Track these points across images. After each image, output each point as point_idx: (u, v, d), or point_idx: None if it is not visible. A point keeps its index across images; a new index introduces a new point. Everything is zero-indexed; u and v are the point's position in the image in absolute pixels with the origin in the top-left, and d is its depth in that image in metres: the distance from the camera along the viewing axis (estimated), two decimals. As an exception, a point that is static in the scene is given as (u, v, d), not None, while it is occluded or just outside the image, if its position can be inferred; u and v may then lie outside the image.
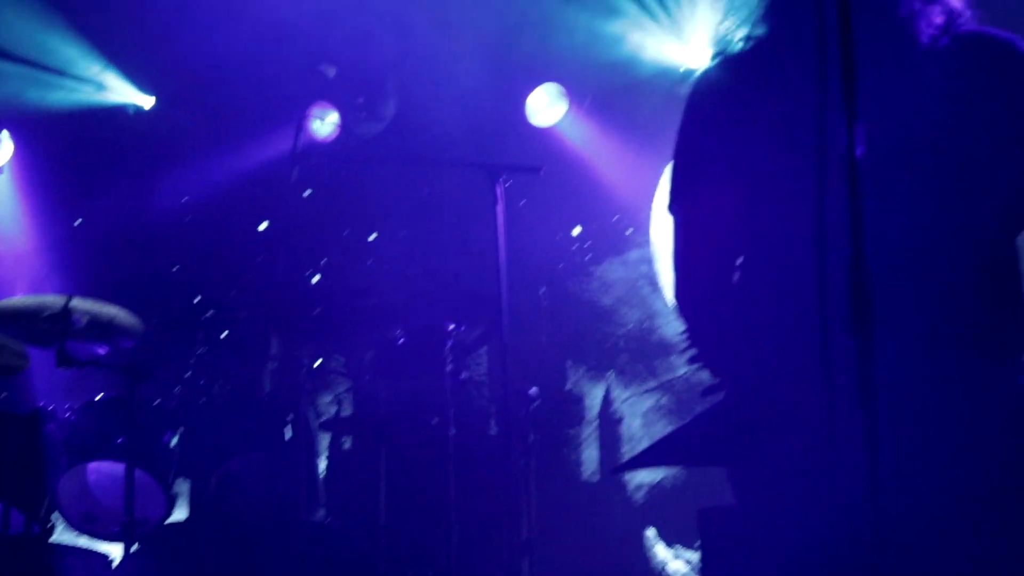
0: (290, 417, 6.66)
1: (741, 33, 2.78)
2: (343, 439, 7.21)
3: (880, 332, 1.94)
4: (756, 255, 2.70)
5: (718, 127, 2.71)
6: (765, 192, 2.64)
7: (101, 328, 6.02)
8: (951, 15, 2.67)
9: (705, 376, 2.73)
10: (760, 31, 2.73)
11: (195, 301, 6.87)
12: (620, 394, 8.47)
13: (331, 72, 8.03)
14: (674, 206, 2.80)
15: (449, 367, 6.84)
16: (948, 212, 2.55)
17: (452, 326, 6.83)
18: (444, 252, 8.03)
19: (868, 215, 1.95)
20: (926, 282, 2.50)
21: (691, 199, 2.76)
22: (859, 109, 1.93)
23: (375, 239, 8.48)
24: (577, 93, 8.17)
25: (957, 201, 2.56)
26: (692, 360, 2.70)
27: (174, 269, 8.16)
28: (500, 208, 6.01)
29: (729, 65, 2.77)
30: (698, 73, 2.85)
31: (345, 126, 7.97)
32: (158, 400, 7.35)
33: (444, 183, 8.09)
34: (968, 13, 2.70)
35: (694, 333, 2.70)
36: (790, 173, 2.56)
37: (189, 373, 6.72)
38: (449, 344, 6.85)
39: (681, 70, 7.38)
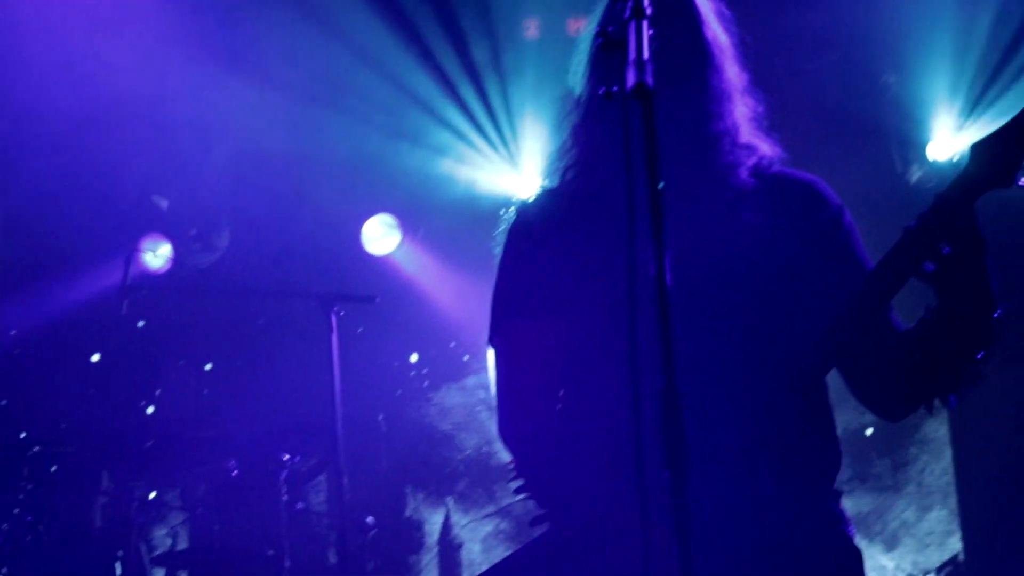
0: (120, 553, 6.46)
1: (559, 167, 2.86)
2: (178, 574, 7.00)
3: (695, 461, 1.99)
4: (576, 386, 2.74)
5: (533, 260, 2.78)
6: (582, 323, 2.70)
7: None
8: (762, 159, 2.79)
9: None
10: (576, 166, 2.81)
11: (21, 436, 6.65)
12: (459, 519, 8.43)
13: (163, 203, 7.97)
14: (494, 339, 2.84)
15: (284, 497, 6.74)
16: (757, 342, 2.64)
17: (287, 456, 6.74)
18: (280, 382, 7.95)
19: (681, 345, 2.01)
20: (739, 410, 2.57)
21: (510, 331, 2.81)
22: (670, 242, 1.99)
23: (210, 369, 8.36)
24: (411, 223, 8.24)
25: (766, 332, 2.65)
26: (518, 491, 2.72)
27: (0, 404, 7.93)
28: (335, 337, 6.00)
29: (546, 198, 2.84)
30: (514, 207, 2.92)
31: (178, 257, 7.89)
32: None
33: (280, 313, 8.04)
34: (777, 157, 2.83)
35: (520, 464, 2.72)
36: (605, 304, 2.62)
37: (16, 511, 6.49)
38: (284, 474, 6.76)
39: (515, 200, 7.50)
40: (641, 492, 1.99)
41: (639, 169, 1.99)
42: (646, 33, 2.00)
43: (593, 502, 2.60)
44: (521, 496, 2.74)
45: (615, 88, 2.00)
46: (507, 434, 2.80)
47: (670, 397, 1.96)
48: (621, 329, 2.10)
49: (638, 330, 2.04)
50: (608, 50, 2.06)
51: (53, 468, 6.96)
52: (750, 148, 2.81)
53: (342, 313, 6.06)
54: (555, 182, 2.88)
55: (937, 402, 2.67)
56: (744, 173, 2.77)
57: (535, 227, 2.81)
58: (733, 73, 2.80)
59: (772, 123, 2.91)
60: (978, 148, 2.47)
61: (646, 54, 1.95)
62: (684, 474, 1.94)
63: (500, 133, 7.68)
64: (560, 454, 2.67)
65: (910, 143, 7.34)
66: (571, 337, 2.73)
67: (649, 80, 1.88)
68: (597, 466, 2.61)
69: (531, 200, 2.89)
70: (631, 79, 1.89)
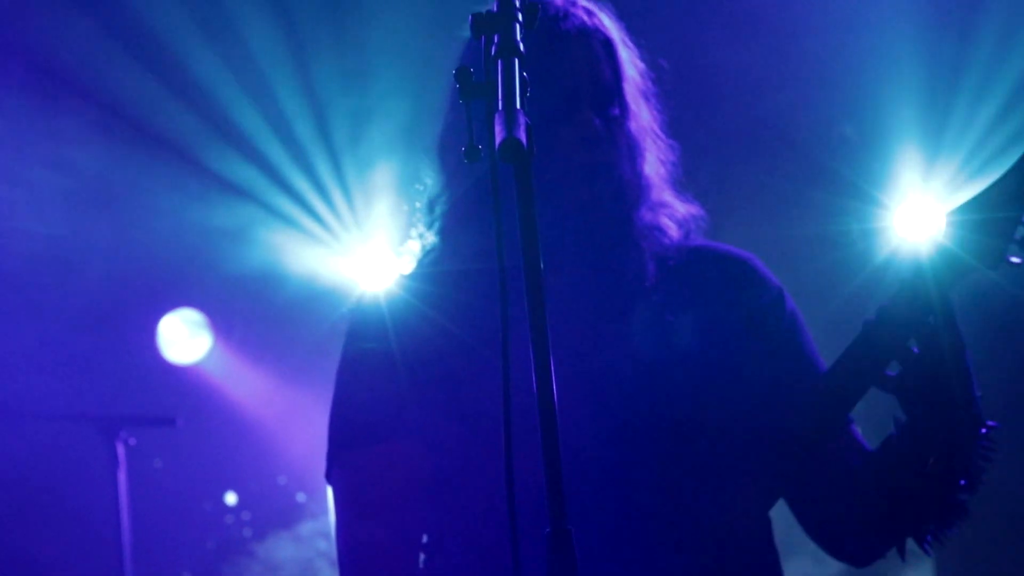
0: None
1: (412, 244, 2.87)
2: None
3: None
4: (441, 535, 2.72)
5: (380, 368, 2.76)
6: (447, 450, 2.69)
7: None
8: (680, 225, 2.82)
9: None
10: (436, 244, 2.82)
11: None
12: None
13: None
14: (331, 473, 2.81)
15: None
16: (679, 477, 2.67)
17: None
18: (48, 536, 7.80)
19: (575, 482, 2.01)
20: (659, 571, 2.58)
21: (352, 463, 2.78)
22: (558, 346, 2.00)
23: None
24: (224, 322, 8.20)
25: (690, 461, 2.68)
26: None
27: None
28: (122, 474, 5.93)
29: (397, 287, 2.84)
30: (355, 300, 2.91)
31: None
32: None
33: (44, 443, 7.89)
34: (697, 223, 2.86)
35: None
36: (476, 427, 2.62)
37: None
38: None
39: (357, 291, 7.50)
40: None
41: (513, 250, 2.00)
42: (517, 75, 2.00)
43: None
44: None
45: (479, 145, 2.01)
46: None
47: (561, 546, 1.95)
48: (496, 459, 2.09)
49: (516, 459, 2.03)
50: (469, 97, 2.06)
51: None
52: (662, 210, 2.84)
53: (132, 441, 6.00)
54: (411, 269, 2.88)
55: (911, 544, 2.69)
56: (656, 246, 2.80)
57: (381, 326, 2.80)
58: (642, 113, 2.83)
59: (699, 181, 2.95)
60: (956, 218, 2.52)
61: (518, 102, 1.96)
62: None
63: (340, 208, 7.71)
64: None
65: (871, 211, 7.51)
66: (434, 471, 2.72)
67: (522, 136, 1.89)
68: None
69: (376, 291, 2.87)
70: (499, 134, 1.89)
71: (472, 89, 2.06)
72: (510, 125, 1.91)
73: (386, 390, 2.75)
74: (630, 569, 2.57)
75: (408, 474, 2.73)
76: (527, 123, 1.93)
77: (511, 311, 2.02)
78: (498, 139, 1.89)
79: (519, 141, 1.88)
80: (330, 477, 2.82)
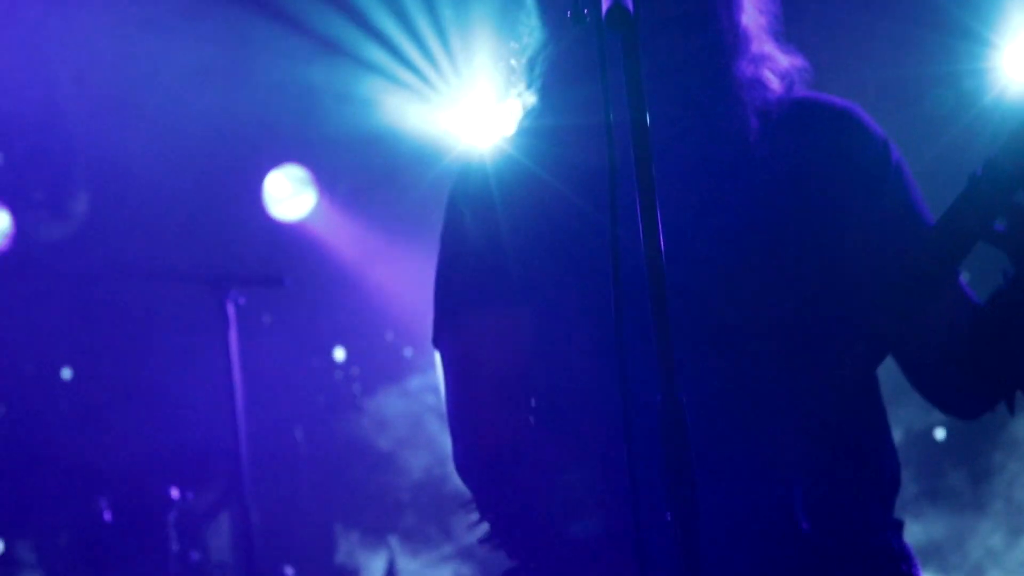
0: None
1: (515, 107, 2.86)
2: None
3: (706, 493, 2.03)
4: (552, 399, 2.75)
5: (486, 232, 2.76)
6: (555, 314, 2.71)
7: None
8: (781, 78, 2.80)
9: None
10: (539, 107, 2.81)
11: None
12: (407, 565, 8.48)
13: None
14: (440, 339, 2.83)
15: (174, 547, 6.77)
16: (783, 328, 2.67)
17: (176, 492, 6.76)
18: (162, 392, 7.96)
19: (682, 340, 2.03)
20: (760, 423, 2.60)
21: (460, 329, 2.79)
22: (664, 200, 2.02)
23: (69, 378, 8.36)
24: (329, 178, 8.24)
25: (794, 313, 2.68)
26: (483, 541, 2.72)
27: None
28: (233, 332, 6.03)
29: (501, 149, 2.83)
30: (460, 160, 2.90)
31: (20, 229, 7.88)
32: None
33: (158, 301, 8.03)
34: (800, 75, 2.84)
35: (483, 504, 2.72)
36: (585, 286, 2.63)
37: None
38: (173, 516, 6.78)
39: (466, 137, 7.50)
40: (637, 538, 2.02)
41: (619, 110, 2.01)
42: None
43: (580, 553, 2.62)
44: (486, 545, 2.74)
45: (585, 11, 2.01)
46: (464, 466, 2.79)
47: (671, 412, 1.99)
48: (606, 320, 2.12)
49: (626, 321, 2.06)
50: None
51: None
52: (763, 63, 2.79)
53: (242, 300, 6.08)
54: (512, 128, 2.87)
55: (1021, 395, 2.69)
56: (758, 100, 2.77)
57: (484, 186, 2.79)
58: None
59: (791, 30, 2.91)
60: None
61: None
62: (692, 514, 1.97)
63: (440, 60, 7.68)
64: (535, 492, 2.67)
65: (979, 50, 7.36)
66: (542, 334, 2.73)
67: (628, 2, 1.89)
68: (583, 506, 2.62)
69: (481, 152, 2.85)
70: (605, 1, 1.90)
71: None
72: None
73: (491, 252, 2.75)
74: (741, 431, 2.58)
75: (516, 337, 2.74)
76: None
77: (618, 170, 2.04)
78: (604, 5, 1.90)
79: (626, 8, 1.89)
80: (437, 342, 2.83)
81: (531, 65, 2.84)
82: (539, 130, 2.81)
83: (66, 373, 8.36)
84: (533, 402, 2.77)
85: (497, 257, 2.75)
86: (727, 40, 2.74)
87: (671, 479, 1.98)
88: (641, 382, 2.16)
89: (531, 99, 2.84)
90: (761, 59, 2.79)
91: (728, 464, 2.57)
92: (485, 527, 2.72)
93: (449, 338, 2.81)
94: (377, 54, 7.66)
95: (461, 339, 2.80)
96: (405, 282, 7.92)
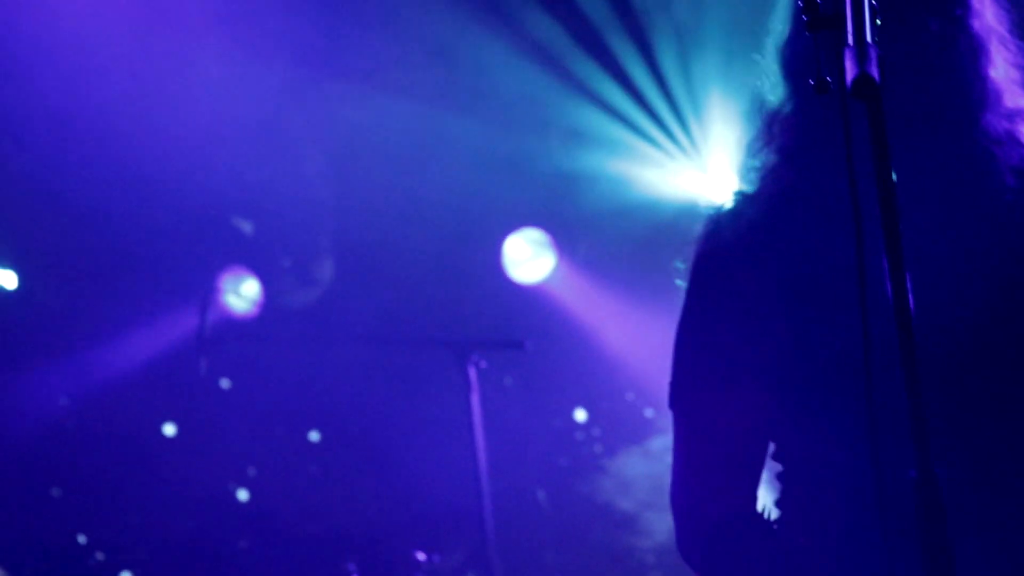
0: None
1: (755, 166, 2.78)
2: None
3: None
4: (789, 485, 2.69)
5: (730, 293, 2.67)
6: (802, 385, 2.61)
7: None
8: None
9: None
10: (780, 167, 2.74)
11: (80, 541, 6.83)
12: (654, 627, 8.43)
13: (246, 227, 8.11)
14: (675, 404, 2.73)
15: (422, 608, 6.80)
16: None
17: (422, 555, 6.80)
18: (407, 455, 8.03)
19: (939, 407, 1.97)
20: None
21: (695, 402, 2.70)
22: (912, 261, 1.96)
23: (317, 440, 8.48)
24: (568, 240, 8.27)
25: None
26: None
27: (52, 496, 8.14)
28: (475, 396, 6.06)
29: (744, 206, 2.75)
30: (705, 217, 2.82)
31: (269, 297, 8.03)
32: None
33: (402, 366, 8.12)
34: None
35: None
36: (835, 351, 2.55)
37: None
38: (420, 579, 6.82)
39: (702, 208, 7.46)
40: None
41: (864, 172, 1.97)
42: (867, 6, 1.94)
43: None
44: None
45: (828, 79, 1.97)
46: (687, 547, 2.71)
47: (927, 488, 1.92)
48: (854, 392, 2.07)
49: (876, 394, 2.01)
50: (816, 29, 2.01)
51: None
52: (1018, 119, 2.65)
53: (483, 364, 6.11)
54: (750, 189, 2.79)
55: None
56: (1013, 158, 2.62)
57: (730, 251, 2.70)
58: (990, 14, 2.65)
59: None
60: None
61: (869, 35, 1.91)
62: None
63: (679, 119, 7.67)
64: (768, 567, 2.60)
65: None
66: (781, 412, 2.64)
67: (874, 72, 1.85)
68: None
69: (725, 208, 2.76)
70: (850, 71, 1.86)
71: (820, 20, 2.01)
72: (862, 60, 1.87)
73: (731, 328, 2.66)
74: (1001, 510, 2.49)
75: (748, 415, 2.65)
76: (879, 56, 1.88)
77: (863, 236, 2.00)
78: (849, 76, 1.86)
79: (872, 77, 1.84)
80: (672, 406, 2.73)
81: (770, 126, 2.77)
82: (777, 194, 2.72)
83: (314, 436, 8.48)
84: (764, 485, 2.70)
85: (735, 331, 2.66)
86: (974, 93, 2.62)
87: (928, 563, 1.90)
88: (894, 460, 2.08)
89: (771, 160, 2.75)
90: (1016, 114, 2.66)
91: (992, 545, 2.47)
92: None
93: (680, 411, 2.72)
94: (613, 128, 7.69)
95: (691, 414, 2.71)
96: (645, 343, 7.89)
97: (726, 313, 2.68)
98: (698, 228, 2.81)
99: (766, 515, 2.67)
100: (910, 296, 1.95)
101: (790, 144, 2.73)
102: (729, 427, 2.67)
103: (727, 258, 2.71)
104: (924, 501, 1.92)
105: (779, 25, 2.77)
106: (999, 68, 2.65)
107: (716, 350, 2.69)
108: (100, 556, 6.64)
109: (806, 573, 2.56)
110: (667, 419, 8.05)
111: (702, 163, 7.66)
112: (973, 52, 2.62)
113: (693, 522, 2.70)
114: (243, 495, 8.34)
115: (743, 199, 2.77)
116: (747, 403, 2.66)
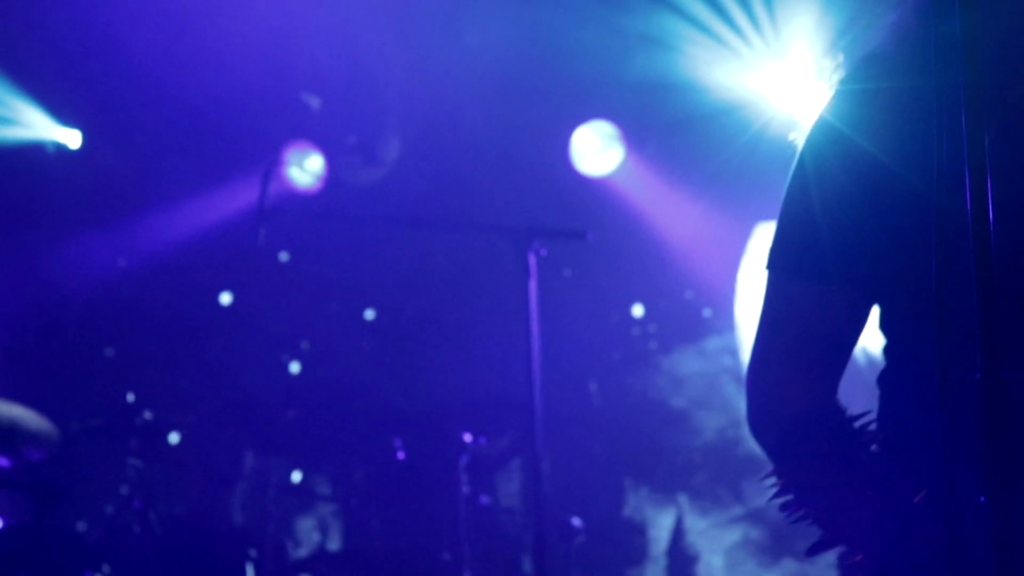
0: (253, 553, 6.65)
1: (840, 71, 2.71)
2: (326, 582, 7.19)
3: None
4: (894, 350, 2.66)
5: (822, 205, 2.60)
6: (880, 288, 2.59)
7: (1, 435, 6.03)
8: None
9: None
10: (871, 69, 2.67)
11: (128, 399, 6.87)
12: (695, 524, 8.46)
13: (314, 102, 8.10)
14: (774, 264, 2.68)
15: (465, 489, 6.84)
16: None
17: (469, 436, 6.83)
18: (459, 338, 8.05)
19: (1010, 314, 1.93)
20: None
21: (782, 287, 2.66)
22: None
23: (372, 319, 8.51)
24: (636, 135, 8.22)
25: None
26: (785, 508, 2.59)
27: (104, 355, 8.20)
28: (533, 284, 6.03)
29: (849, 94, 2.68)
30: (811, 122, 2.73)
31: (332, 173, 8.02)
32: (78, 528, 7.35)
33: (461, 250, 8.13)
34: None
35: (780, 470, 2.62)
36: (911, 258, 2.49)
37: (124, 491, 6.72)
38: (464, 460, 6.85)
39: (776, 101, 7.38)
40: (947, 520, 1.93)
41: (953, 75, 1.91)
42: None
43: (894, 531, 2.49)
44: (787, 514, 2.62)
45: None
46: (761, 429, 2.66)
47: (992, 391, 1.88)
48: (927, 295, 2.02)
49: (948, 298, 1.96)
50: None
51: (170, 441, 7.19)
52: None
53: (544, 252, 6.08)
54: (831, 92, 2.71)
55: None
56: None
57: (827, 154, 2.61)
58: None
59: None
60: None
61: None
62: (1009, 499, 1.86)
63: (760, 18, 7.56)
64: (844, 460, 2.56)
65: None
66: (862, 315, 2.61)
67: None
68: (895, 481, 2.50)
69: (815, 116, 2.66)
70: None
71: None
72: None
73: (827, 229, 2.59)
74: None
75: (832, 312, 2.61)
76: None
77: (948, 141, 1.95)
78: None
79: None
80: (769, 269, 2.67)
81: (855, 28, 2.71)
82: (866, 92, 2.64)
83: (369, 315, 8.51)
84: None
85: (831, 234, 2.59)
86: None
87: (987, 459, 1.87)
88: (966, 362, 2.03)
89: (855, 58, 2.68)
90: None
91: None
92: (786, 496, 2.60)
93: (772, 292, 2.67)
94: (697, 7, 7.59)
95: (779, 297, 2.66)
96: (706, 244, 7.88)
97: (837, 186, 2.61)
98: (806, 126, 2.71)
99: (847, 411, 2.59)
100: (989, 199, 1.92)
101: (876, 45, 2.66)
102: (812, 318, 2.63)
103: (825, 160, 2.64)
104: (988, 402, 1.90)
105: None
106: None
107: (804, 248, 2.63)
108: (148, 415, 6.67)
109: (889, 479, 2.51)
110: (725, 320, 8.01)
111: (783, 64, 7.54)
112: None
113: (773, 403, 2.65)
114: (295, 367, 8.38)
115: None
116: (831, 303, 2.62)
